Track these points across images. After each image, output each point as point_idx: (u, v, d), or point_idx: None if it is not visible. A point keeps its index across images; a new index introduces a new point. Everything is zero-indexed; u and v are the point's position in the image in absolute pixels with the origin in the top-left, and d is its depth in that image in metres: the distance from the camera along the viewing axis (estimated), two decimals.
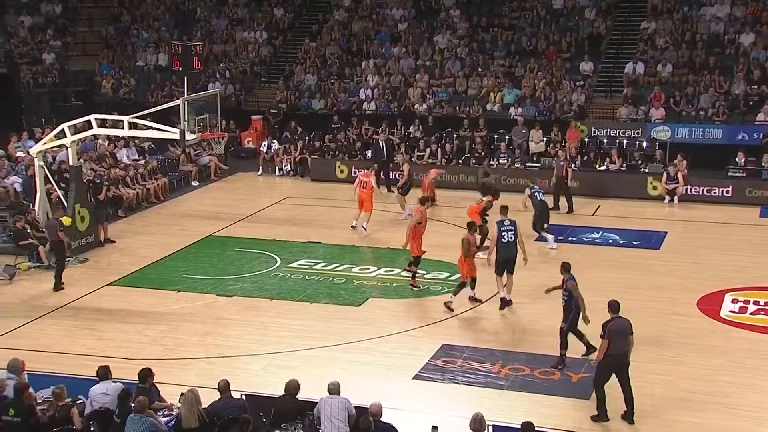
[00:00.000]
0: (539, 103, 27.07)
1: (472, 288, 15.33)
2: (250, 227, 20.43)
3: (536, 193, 18.98)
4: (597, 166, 24.12)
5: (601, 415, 11.50)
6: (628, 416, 11.53)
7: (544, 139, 25.53)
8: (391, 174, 23.99)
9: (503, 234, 14.99)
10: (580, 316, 12.93)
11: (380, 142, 24.81)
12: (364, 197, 19.68)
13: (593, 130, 25.88)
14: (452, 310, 15.02)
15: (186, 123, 17.85)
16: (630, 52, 28.18)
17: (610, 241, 19.30)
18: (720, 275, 16.82)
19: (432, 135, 26.25)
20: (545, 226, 18.83)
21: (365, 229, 19.56)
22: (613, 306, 11.50)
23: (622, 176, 23.52)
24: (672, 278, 16.82)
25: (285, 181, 25.51)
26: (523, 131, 25.74)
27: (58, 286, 16.44)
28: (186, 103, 17.96)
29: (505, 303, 15.17)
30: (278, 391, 10.32)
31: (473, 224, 15.49)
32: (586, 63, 27.96)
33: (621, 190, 22.91)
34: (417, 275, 16.39)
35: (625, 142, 25.28)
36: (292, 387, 10.25)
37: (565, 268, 13.15)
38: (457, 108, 27.69)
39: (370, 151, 25.16)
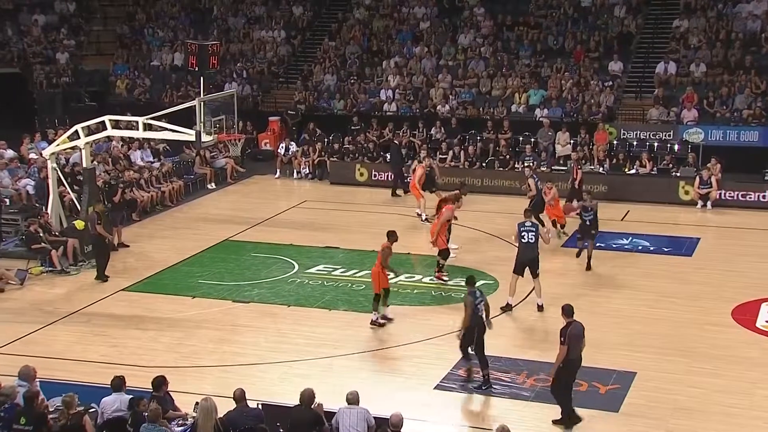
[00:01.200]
0: (566, 105, 26.97)
1: (384, 303, 15.03)
2: (267, 231, 20.50)
3: (537, 181, 19.59)
4: (626, 170, 23.99)
5: (563, 420, 11.50)
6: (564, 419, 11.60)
7: (571, 141, 25.42)
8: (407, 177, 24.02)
9: (523, 234, 15.37)
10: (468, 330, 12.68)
11: (396, 143, 24.85)
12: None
13: (622, 132, 25.75)
14: (382, 325, 14.82)
15: (202, 124, 17.93)
16: (661, 52, 28.02)
17: (640, 247, 19.18)
18: (756, 283, 16.67)
19: (455, 137, 26.22)
20: (539, 215, 18.82)
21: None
22: (568, 310, 11.58)
23: (653, 180, 23.39)
24: (705, 287, 16.69)
25: (303, 185, 25.57)
26: (549, 133, 25.65)
27: (102, 276, 17.21)
28: (202, 103, 18.05)
29: (507, 308, 15.47)
30: (295, 400, 10.34)
31: (393, 233, 15.24)
32: (615, 63, 27.82)
33: (651, 194, 22.77)
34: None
35: (655, 144, 25.13)
36: (308, 396, 10.24)
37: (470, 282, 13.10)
38: (481, 109, 27.64)
39: (388, 154, 25.18)
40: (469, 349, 12.80)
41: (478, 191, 23.45)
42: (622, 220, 21.44)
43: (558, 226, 19.55)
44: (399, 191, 23.67)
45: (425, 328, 14.90)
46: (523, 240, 15.36)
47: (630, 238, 19.75)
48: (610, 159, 24.47)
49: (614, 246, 19.26)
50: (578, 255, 18.17)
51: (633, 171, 23.87)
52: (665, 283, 16.96)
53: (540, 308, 15.46)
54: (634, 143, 25.37)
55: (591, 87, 27.27)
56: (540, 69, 28.55)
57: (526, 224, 15.48)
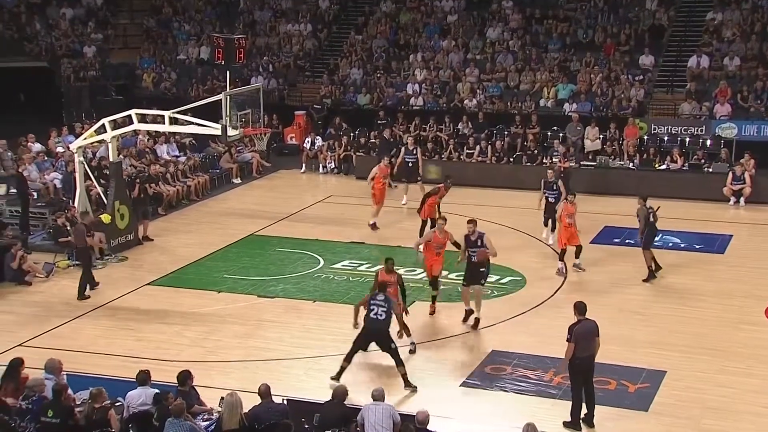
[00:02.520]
0: (596, 99, 26.79)
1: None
2: (292, 226, 20.56)
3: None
4: (657, 166, 23.80)
5: (574, 423, 11.40)
6: (588, 419, 11.45)
7: (601, 136, 25.25)
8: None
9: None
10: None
11: (386, 137, 25.00)
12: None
13: (653, 127, 25.53)
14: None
15: (228, 118, 18.00)
16: (694, 45, 27.72)
17: (671, 244, 19.01)
18: None
19: (482, 132, 26.14)
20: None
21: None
22: (580, 308, 11.46)
23: (684, 176, 23.19)
24: (738, 285, 16.52)
25: (329, 179, 25.62)
26: (578, 128, 25.49)
27: (82, 294, 16.23)
28: (228, 97, 18.12)
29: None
30: (320, 396, 10.36)
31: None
32: (646, 56, 27.58)
33: (682, 190, 22.56)
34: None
35: (687, 140, 24.92)
36: (340, 393, 10.27)
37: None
38: (509, 104, 27.53)
39: (317, 142, 25.91)
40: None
41: (505, 186, 23.37)
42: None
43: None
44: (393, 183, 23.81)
45: (451, 324, 14.87)
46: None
47: (660, 235, 19.51)
48: (641, 154, 24.27)
49: None
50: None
51: (664, 167, 23.67)
52: (696, 280, 16.81)
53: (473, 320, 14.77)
54: (665, 138, 25.14)
55: (621, 81, 27.05)
56: (569, 63, 28.36)
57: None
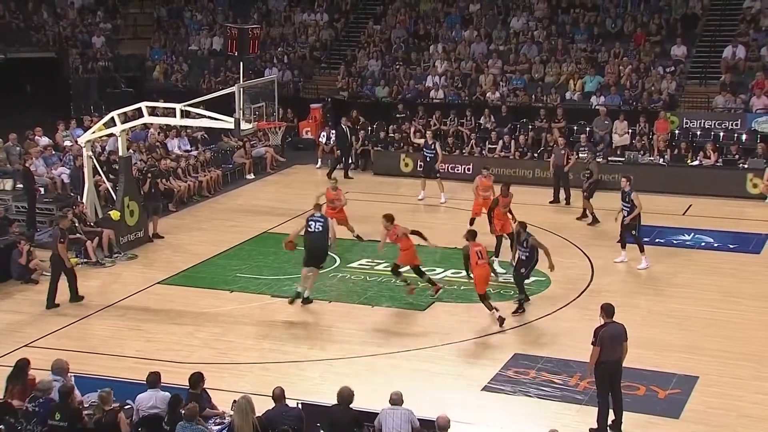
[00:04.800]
0: (624, 92, 26.66)
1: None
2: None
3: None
4: (689, 161, 23.69)
5: (600, 430, 11.37)
6: (616, 426, 11.38)
7: (630, 131, 25.14)
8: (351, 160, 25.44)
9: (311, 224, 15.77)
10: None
11: (344, 127, 25.16)
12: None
13: (685, 121, 25.38)
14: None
15: (241, 112, 18.05)
16: (729, 35, 27.52)
17: (703, 243, 18.91)
18: None
19: (505, 126, 26.08)
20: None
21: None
22: (607, 310, 11.41)
23: (718, 172, 23.05)
24: None
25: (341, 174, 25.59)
26: (606, 122, 25.38)
27: (52, 303, 15.87)
28: (241, 90, 18.17)
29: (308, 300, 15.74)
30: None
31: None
32: (678, 47, 27.41)
33: (716, 187, 22.45)
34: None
35: (721, 134, 24.74)
36: (346, 395, 10.26)
37: (522, 226, 15.39)
38: (533, 97, 27.45)
39: (332, 137, 25.94)
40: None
41: (529, 183, 23.33)
42: (683, 214, 21.20)
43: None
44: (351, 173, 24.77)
45: (472, 326, 14.86)
46: (310, 230, 15.62)
47: (692, 234, 19.48)
48: (672, 150, 24.14)
49: (675, 242, 19.03)
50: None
51: (696, 162, 23.55)
52: (730, 282, 16.70)
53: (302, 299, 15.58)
54: (698, 133, 24.98)
55: (652, 73, 26.90)
56: (597, 54, 28.24)
57: (315, 215, 15.84)
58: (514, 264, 15.64)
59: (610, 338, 11.22)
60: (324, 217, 16.04)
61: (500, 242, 17.47)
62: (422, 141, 22.94)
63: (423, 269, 16.04)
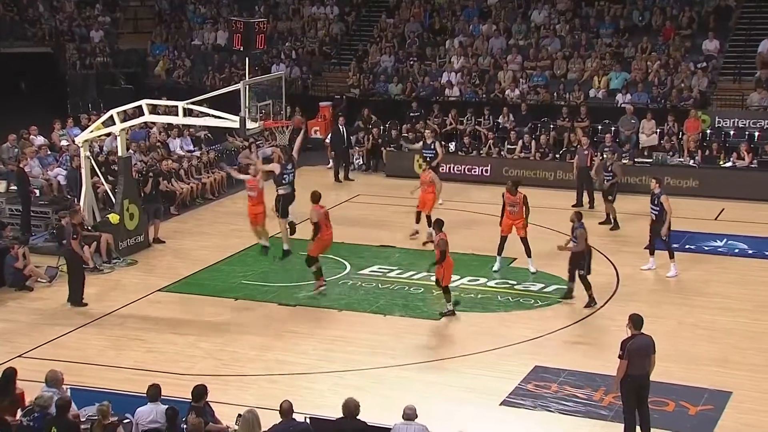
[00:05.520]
0: (652, 89, 26.61)
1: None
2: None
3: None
4: (721, 163, 23.63)
5: None
6: None
7: (657, 130, 25.08)
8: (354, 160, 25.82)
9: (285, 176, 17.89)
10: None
11: (340, 127, 25.23)
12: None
13: (717, 120, 25.31)
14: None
15: (247, 110, 18.10)
16: (765, 28, 27.48)
17: (737, 250, 18.84)
18: None
19: (525, 125, 26.06)
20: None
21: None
22: (636, 321, 11.37)
23: (752, 174, 23.01)
24: None
25: (356, 177, 25.65)
26: (633, 121, 25.34)
27: (79, 301, 16.37)
28: (247, 87, 18.21)
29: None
30: None
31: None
32: (710, 41, 27.35)
33: (750, 190, 22.37)
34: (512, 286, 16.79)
35: (756, 134, 24.67)
36: (352, 407, 10.27)
37: (577, 216, 15.83)
38: (555, 94, 27.42)
39: (329, 137, 26.09)
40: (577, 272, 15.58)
41: (550, 185, 23.29)
42: (716, 219, 21.13)
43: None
44: (341, 176, 24.93)
45: (490, 337, 14.85)
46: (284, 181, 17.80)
47: (725, 240, 19.41)
48: (702, 151, 24.07)
49: (706, 248, 18.97)
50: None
51: (729, 164, 23.50)
52: (765, 291, 16.63)
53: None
54: (731, 132, 24.93)
55: (681, 69, 26.84)
56: (623, 49, 28.20)
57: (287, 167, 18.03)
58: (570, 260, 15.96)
59: (638, 351, 11.18)
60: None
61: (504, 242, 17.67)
62: (419, 145, 22.76)
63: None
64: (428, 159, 21.56)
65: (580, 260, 15.82)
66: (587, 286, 15.87)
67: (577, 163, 22.05)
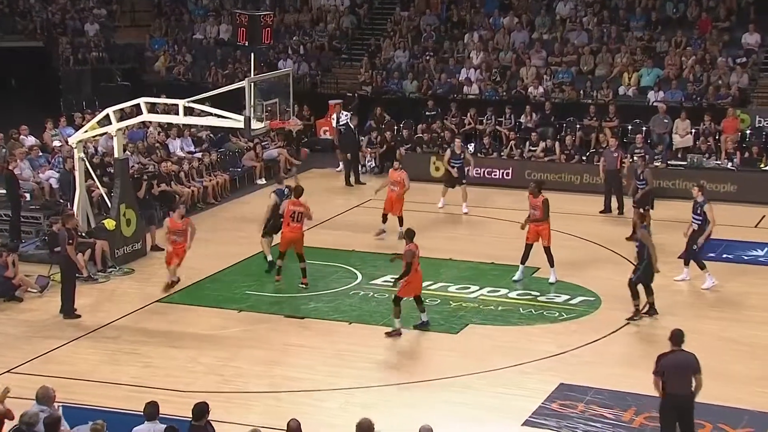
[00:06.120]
0: (687, 86, 26.55)
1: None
2: (325, 235, 20.64)
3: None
4: (762, 165, 23.63)
5: None
6: None
7: (692, 131, 25.04)
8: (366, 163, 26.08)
9: None
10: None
11: (351, 126, 25.39)
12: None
13: (758, 119, 25.29)
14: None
15: (252, 109, 18.16)
16: None
17: None
18: None
19: (549, 125, 26.03)
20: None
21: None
22: (676, 336, 11.35)
23: None
24: None
25: (368, 180, 25.67)
26: (666, 121, 25.30)
27: (71, 312, 16.39)
28: (252, 84, 18.27)
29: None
30: None
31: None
32: (750, 35, 27.31)
33: None
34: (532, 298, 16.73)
35: None
36: (366, 427, 10.26)
37: (640, 219, 15.92)
38: (582, 92, 27.40)
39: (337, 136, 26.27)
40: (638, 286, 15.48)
41: (576, 190, 23.27)
42: (756, 226, 21.07)
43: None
44: (352, 179, 25.00)
45: (511, 352, 14.83)
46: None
47: (766, 249, 19.36)
48: (741, 152, 24.03)
49: (746, 258, 18.94)
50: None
51: None
52: None
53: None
54: None
55: (719, 64, 26.78)
56: (655, 43, 28.16)
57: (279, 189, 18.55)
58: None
59: (675, 368, 11.12)
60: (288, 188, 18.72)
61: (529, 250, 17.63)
62: (447, 153, 22.65)
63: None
64: (456, 168, 21.85)
65: (639, 264, 15.77)
66: (634, 295, 15.75)
67: (605, 166, 22.01)
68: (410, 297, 15.46)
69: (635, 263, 15.88)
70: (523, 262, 17.66)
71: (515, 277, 17.70)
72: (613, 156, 21.93)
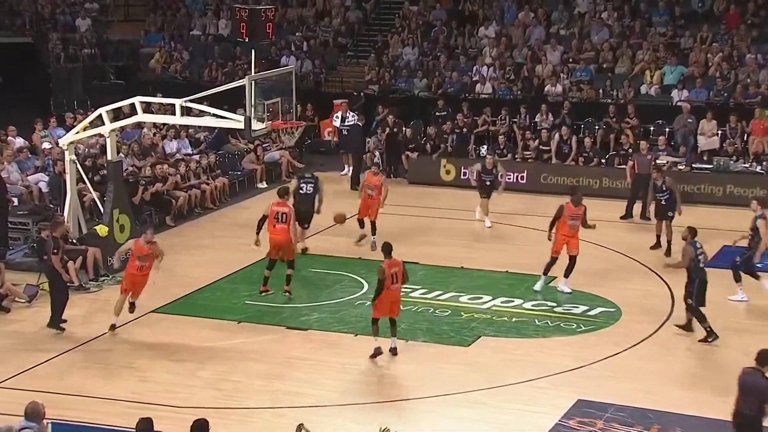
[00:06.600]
0: (713, 85, 26.54)
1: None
2: (329, 242, 20.69)
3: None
4: None
5: None
6: None
7: (719, 132, 25.02)
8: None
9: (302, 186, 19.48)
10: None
11: (359, 125, 25.55)
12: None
13: None
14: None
15: (253, 108, 18.21)
16: None
17: None
18: None
19: (567, 126, 26.05)
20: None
21: None
22: (762, 357, 11.27)
23: None
24: None
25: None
26: (690, 121, 25.30)
27: (57, 323, 16.32)
28: (253, 83, 18.33)
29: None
30: None
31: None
32: None
33: None
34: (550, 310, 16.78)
35: None
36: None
37: (691, 233, 15.43)
38: (601, 91, 27.41)
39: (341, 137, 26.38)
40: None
41: (595, 194, 23.24)
42: None
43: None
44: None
45: (526, 366, 14.84)
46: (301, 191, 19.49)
47: None
48: None
49: None
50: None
51: None
52: None
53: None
54: None
55: (747, 62, 26.79)
56: (679, 39, 28.17)
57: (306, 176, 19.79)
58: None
59: (746, 388, 11.13)
60: (315, 178, 19.85)
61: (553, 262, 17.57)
62: (477, 168, 22.20)
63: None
64: (488, 184, 21.58)
65: (689, 286, 15.49)
66: (699, 318, 15.46)
67: (636, 170, 21.77)
68: (385, 317, 15.02)
69: (686, 287, 15.60)
70: (545, 272, 17.60)
71: (536, 287, 17.64)
72: (647, 159, 21.77)
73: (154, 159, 23.31)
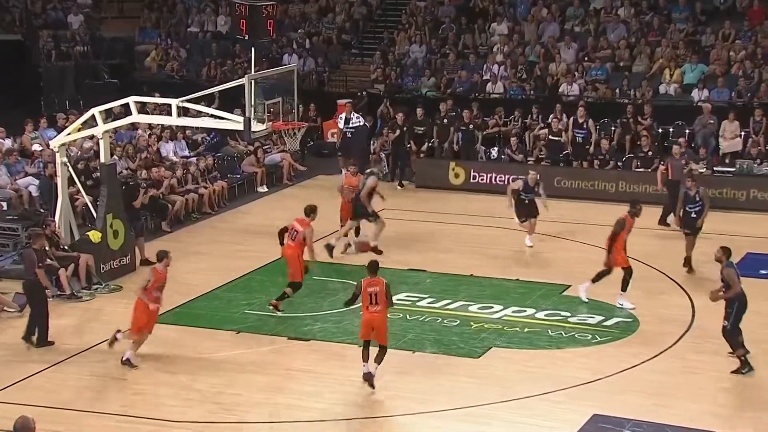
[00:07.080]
0: (736, 84, 26.54)
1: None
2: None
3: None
4: None
5: None
6: None
7: (742, 134, 25.02)
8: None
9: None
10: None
11: (366, 125, 25.72)
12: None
13: None
14: None
15: (253, 109, 18.26)
16: None
17: None
18: None
19: (581, 127, 26.06)
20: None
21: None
22: None
23: None
24: None
25: (380, 188, 25.65)
26: (711, 122, 25.30)
27: (43, 341, 16.13)
28: (253, 82, 18.38)
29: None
30: None
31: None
32: None
33: None
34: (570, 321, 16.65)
35: None
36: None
37: (725, 253, 14.80)
38: (618, 90, 27.43)
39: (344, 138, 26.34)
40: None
41: (611, 199, 23.24)
42: None
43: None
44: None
45: (539, 378, 14.85)
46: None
47: None
48: None
49: None
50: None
51: None
52: None
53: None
54: None
55: None
56: (700, 36, 28.18)
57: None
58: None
59: None
60: (367, 174, 20.56)
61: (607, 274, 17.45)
62: (517, 186, 21.30)
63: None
64: (527, 202, 20.89)
65: (728, 307, 14.71)
66: (734, 344, 14.81)
67: (669, 175, 21.63)
68: (367, 339, 14.57)
69: (725, 310, 14.87)
70: (594, 281, 17.48)
71: (582, 297, 17.51)
72: (681, 164, 21.67)
73: (145, 161, 23.16)
